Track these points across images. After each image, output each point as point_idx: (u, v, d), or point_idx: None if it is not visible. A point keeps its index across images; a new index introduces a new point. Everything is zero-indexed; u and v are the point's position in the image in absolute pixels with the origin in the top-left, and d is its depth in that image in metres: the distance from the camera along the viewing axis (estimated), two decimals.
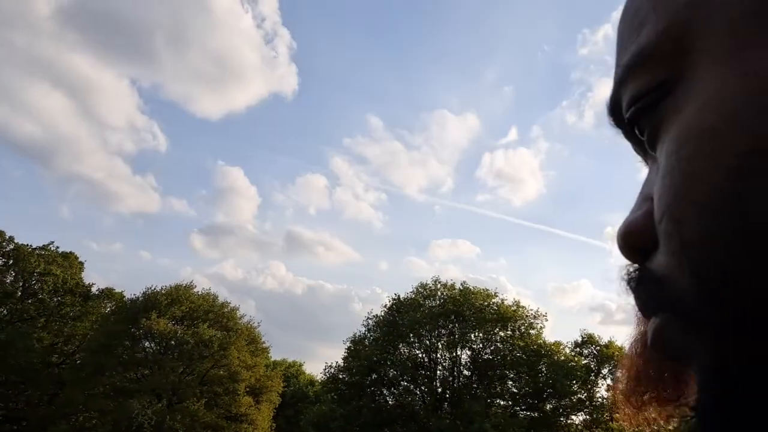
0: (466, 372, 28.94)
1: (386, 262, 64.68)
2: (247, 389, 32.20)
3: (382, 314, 30.12)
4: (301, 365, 52.96)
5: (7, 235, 34.53)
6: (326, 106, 63.36)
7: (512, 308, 29.34)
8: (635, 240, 0.30)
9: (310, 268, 67.82)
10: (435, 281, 30.52)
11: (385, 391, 28.77)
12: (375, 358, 27.94)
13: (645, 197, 0.30)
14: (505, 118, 63.38)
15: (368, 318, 30.37)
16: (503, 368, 28.11)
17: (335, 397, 28.98)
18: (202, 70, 58.89)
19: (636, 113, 0.30)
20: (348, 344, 29.95)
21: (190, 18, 58.76)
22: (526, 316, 29.27)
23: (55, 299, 34.16)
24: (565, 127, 59.54)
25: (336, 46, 64.91)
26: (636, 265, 0.30)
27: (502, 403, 28.10)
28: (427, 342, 29.16)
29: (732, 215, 0.23)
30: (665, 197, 0.27)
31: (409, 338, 29.09)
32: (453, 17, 66.25)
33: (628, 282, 0.30)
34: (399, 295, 30.43)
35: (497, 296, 29.90)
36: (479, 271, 66.98)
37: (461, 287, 29.91)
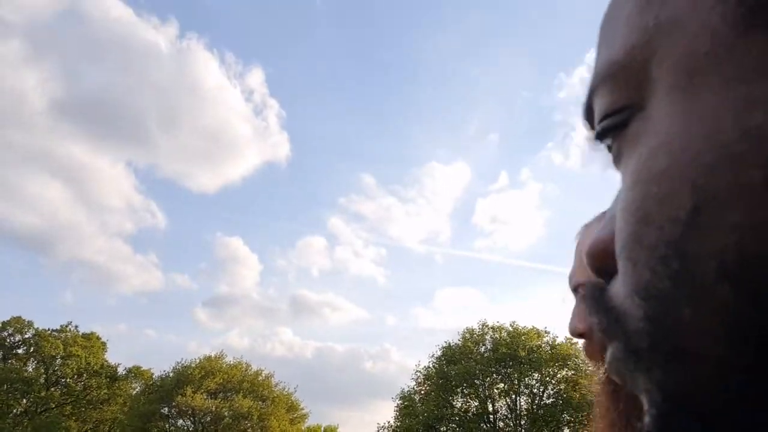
0: (526, 419, 27.05)
1: (393, 316, 63.63)
2: None
3: (432, 365, 28.42)
4: (334, 429, 50.38)
5: (26, 320, 33.04)
6: (319, 168, 64.02)
7: (566, 345, 27.72)
8: (598, 261, 0.30)
9: (317, 331, 66.35)
10: (482, 325, 28.96)
11: None
12: (433, 414, 26.09)
13: (613, 216, 0.29)
14: (494, 164, 63.95)
15: (417, 371, 28.68)
16: (568, 411, 26.27)
17: None
18: (195, 147, 59.29)
19: (603, 131, 0.30)
20: (397, 401, 28.15)
21: (181, 98, 59.87)
22: None
23: (80, 383, 32.35)
24: (553, 167, 59.50)
25: (323, 110, 66.13)
26: (599, 284, 0.30)
27: None
28: (481, 390, 27.38)
29: (677, 265, 0.23)
30: (622, 234, 0.26)
31: (464, 388, 27.33)
32: (431, 73, 67.52)
33: (591, 304, 0.30)
34: (449, 343, 28.81)
35: (548, 334, 28.36)
36: (488, 318, 65.40)
37: (510, 328, 28.35)
